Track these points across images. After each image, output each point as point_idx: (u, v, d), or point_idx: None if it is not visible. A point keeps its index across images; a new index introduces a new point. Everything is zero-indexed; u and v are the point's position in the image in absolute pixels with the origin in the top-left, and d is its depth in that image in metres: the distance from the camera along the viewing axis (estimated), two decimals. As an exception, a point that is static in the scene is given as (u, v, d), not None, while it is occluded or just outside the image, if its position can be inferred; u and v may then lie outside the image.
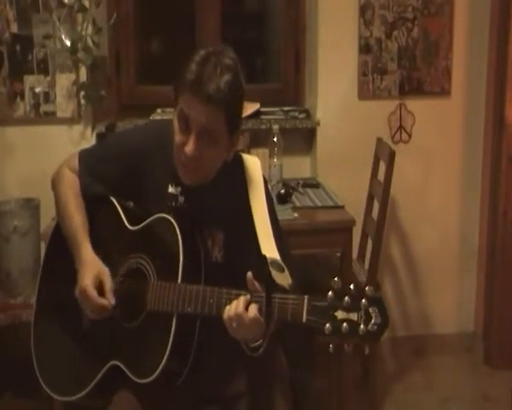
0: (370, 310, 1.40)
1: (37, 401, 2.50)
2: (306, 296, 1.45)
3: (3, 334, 2.69)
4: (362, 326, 1.39)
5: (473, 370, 3.28)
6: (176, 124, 1.65)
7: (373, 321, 1.39)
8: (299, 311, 1.45)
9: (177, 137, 1.65)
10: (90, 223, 1.81)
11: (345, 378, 2.71)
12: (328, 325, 1.41)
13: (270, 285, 1.51)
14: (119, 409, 1.71)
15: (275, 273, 1.62)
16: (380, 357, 3.33)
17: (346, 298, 1.41)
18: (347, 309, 1.41)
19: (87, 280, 1.68)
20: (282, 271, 1.63)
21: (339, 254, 2.62)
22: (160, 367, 1.58)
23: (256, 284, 1.52)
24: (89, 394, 1.72)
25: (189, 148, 1.61)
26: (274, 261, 1.64)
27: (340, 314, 1.41)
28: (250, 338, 1.57)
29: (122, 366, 1.66)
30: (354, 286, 1.43)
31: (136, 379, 1.63)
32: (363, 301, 1.40)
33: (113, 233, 1.81)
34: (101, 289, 1.69)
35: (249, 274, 1.53)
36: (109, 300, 1.68)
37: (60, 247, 1.85)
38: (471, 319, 3.44)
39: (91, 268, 1.71)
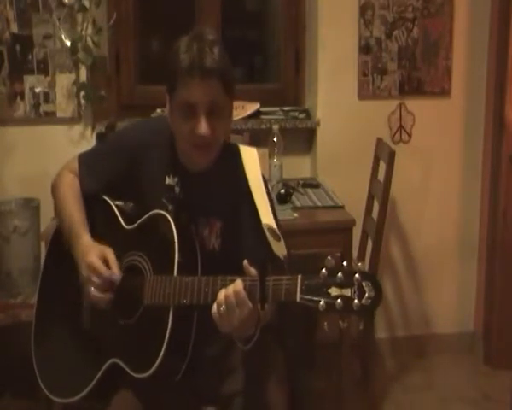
0: (364, 284, 1.39)
1: (37, 402, 2.50)
2: (299, 276, 1.45)
3: (3, 334, 2.68)
4: (356, 301, 1.38)
5: (473, 370, 3.28)
6: (177, 116, 1.68)
7: (366, 295, 1.38)
8: (293, 290, 1.44)
9: (183, 127, 1.67)
10: (88, 225, 1.81)
11: (345, 378, 2.71)
12: (322, 302, 1.40)
13: (264, 268, 1.51)
14: (118, 409, 1.71)
15: (271, 241, 1.63)
16: (380, 357, 3.33)
17: (339, 274, 1.40)
18: (341, 285, 1.40)
19: (93, 256, 1.69)
20: (279, 239, 1.65)
21: (339, 254, 2.61)
22: (158, 361, 1.58)
23: (252, 269, 1.52)
24: (88, 394, 1.72)
25: (203, 128, 1.64)
26: (271, 228, 1.66)
27: (333, 291, 1.40)
28: (239, 325, 1.53)
29: (120, 362, 1.66)
30: (347, 262, 1.43)
31: (134, 374, 1.63)
32: (356, 275, 1.39)
33: (110, 234, 1.81)
34: (106, 265, 1.69)
35: (245, 262, 1.53)
36: (116, 272, 1.69)
37: (61, 247, 1.85)
38: (471, 319, 3.44)
39: (94, 249, 1.72)
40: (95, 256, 1.69)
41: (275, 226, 1.69)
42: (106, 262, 1.70)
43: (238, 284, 1.50)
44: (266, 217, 1.70)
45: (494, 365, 3.25)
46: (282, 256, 1.61)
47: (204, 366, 1.73)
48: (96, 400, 1.76)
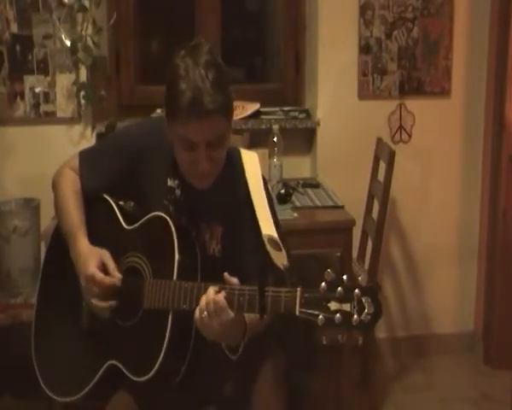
0: (363, 300, 1.39)
1: (37, 402, 2.50)
2: (299, 288, 1.45)
3: (3, 334, 2.68)
4: (355, 316, 1.38)
5: (473, 370, 3.28)
6: (175, 141, 1.66)
7: (366, 311, 1.38)
8: (292, 303, 1.44)
9: (183, 155, 1.66)
10: (87, 224, 1.81)
11: (345, 379, 2.71)
12: (321, 316, 1.40)
13: (264, 279, 1.51)
14: (116, 410, 1.72)
15: (271, 251, 1.63)
16: (380, 357, 3.33)
17: (339, 289, 1.40)
18: (340, 300, 1.40)
19: (92, 266, 1.68)
20: (279, 249, 1.64)
21: (339, 254, 2.62)
22: (157, 365, 1.58)
23: (233, 279, 1.53)
24: (88, 394, 1.72)
25: (203, 165, 1.63)
26: (271, 239, 1.65)
27: (333, 305, 1.40)
28: (221, 333, 1.54)
29: (120, 365, 1.66)
30: (347, 277, 1.43)
31: (134, 378, 1.63)
32: (356, 291, 1.39)
33: (110, 233, 1.82)
34: (105, 271, 1.69)
35: (225, 274, 1.54)
36: (117, 277, 1.68)
37: (60, 247, 1.85)
38: (471, 319, 3.44)
39: (91, 255, 1.71)
40: (93, 267, 1.68)
41: (275, 236, 1.67)
42: (105, 268, 1.69)
43: (211, 291, 1.51)
44: (266, 227, 1.69)
45: (494, 365, 3.25)
46: (282, 266, 1.60)
47: (204, 367, 1.73)
48: (95, 399, 1.76)
